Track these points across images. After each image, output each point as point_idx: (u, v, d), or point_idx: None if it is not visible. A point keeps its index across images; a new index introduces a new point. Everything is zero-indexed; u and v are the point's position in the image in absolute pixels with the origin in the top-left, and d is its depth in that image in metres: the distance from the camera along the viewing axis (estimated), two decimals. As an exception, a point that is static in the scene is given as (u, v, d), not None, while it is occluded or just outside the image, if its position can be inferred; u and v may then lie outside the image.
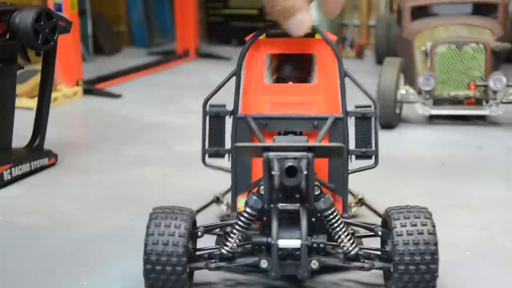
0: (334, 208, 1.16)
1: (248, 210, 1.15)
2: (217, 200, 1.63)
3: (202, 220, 1.50)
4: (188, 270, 1.18)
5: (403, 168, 2.09)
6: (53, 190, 1.89)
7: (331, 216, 1.16)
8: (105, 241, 1.52)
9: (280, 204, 1.12)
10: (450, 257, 1.29)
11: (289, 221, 1.14)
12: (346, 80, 1.35)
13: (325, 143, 1.31)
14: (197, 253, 1.23)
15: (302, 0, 0.75)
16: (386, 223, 1.22)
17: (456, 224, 1.61)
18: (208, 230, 1.26)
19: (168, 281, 1.17)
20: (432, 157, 2.27)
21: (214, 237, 1.35)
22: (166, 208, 1.21)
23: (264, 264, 1.14)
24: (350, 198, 1.52)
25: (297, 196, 1.12)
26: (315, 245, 1.15)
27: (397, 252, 1.15)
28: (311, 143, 1.28)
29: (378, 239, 1.28)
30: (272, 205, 1.11)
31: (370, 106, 1.40)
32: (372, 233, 1.26)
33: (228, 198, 1.60)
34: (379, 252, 1.23)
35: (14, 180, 1.94)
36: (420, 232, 1.15)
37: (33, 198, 1.83)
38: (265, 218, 1.15)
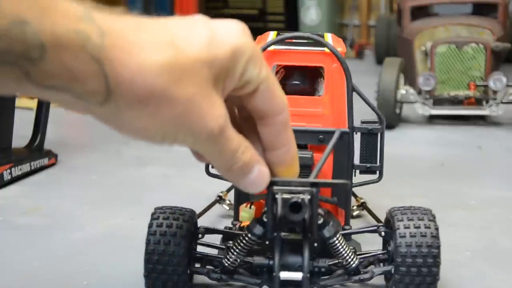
0: (338, 235, 1.16)
1: (250, 235, 1.15)
2: (219, 199, 1.63)
3: (205, 218, 1.50)
4: (189, 271, 1.18)
5: (403, 168, 2.09)
6: (53, 190, 1.89)
7: (336, 242, 1.16)
8: (105, 241, 1.52)
9: (283, 234, 1.12)
10: (450, 257, 1.29)
11: (292, 247, 1.14)
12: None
13: (330, 180, 1.32)
14: (198, 255, 1.23)
15: (255, 152, 0.64)
16: (389, 223, 1.22)
17: (456, 224, 1.61)
18: (209, 231, 1.26)
19: (168, 281, 1.17)
20: (432, 157, 2.27)
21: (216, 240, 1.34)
22: (167, 208, 1.21)
23: None
24: (352, 201, 1.52)
25: (300, 224, 1.12)
26: (316, 269, 1.15)
27: (399, 254, 1.15)
28: (317, 156, 1.28)
29: (381, 240, 1.28)
30: (275, 234, 1.12)
31: (376, 122, 1.39)
32: (376, 252, 1.25)
33: (230, 196, 1.61)
34: (380, 255, 1.23)
35: (14, 180, 1.94)
36: (423, 234, 1.15)
37: (33, 198, 1.83)
38: (267, 242, 1.15)
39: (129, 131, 0.58)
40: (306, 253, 1.11)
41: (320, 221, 1.13)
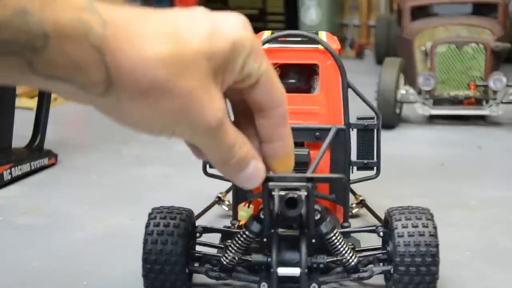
0: (335, 230, 1.16)
1: (247, 233, 1.15)
2: (218, 200, 1.63)
3: (204, 218, 1.50)
4: (187, 270, 1.18)
5: (403, 168, 2.09)
6: (53, 190, 1.89)
7: (333, 238, 1.16)
8: (105, 241, 1.52)
9: (280, 230, 1.12)
10: (450, 257, 1.29)
11: (289, 244, 1.14)
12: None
13: (325, 175, 1.31)
14: (196, 254, 1.23)
15: (252, 147, 0.64)
16: (388, 223, 1.22)
17: (456, 224, 1.61)
18: (207, 231, 1.26)
19: (167, 281, 1.17)
20: (432, 157, 2.27)
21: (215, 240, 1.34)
22: (164, 208, 1.21)
23: (263, 287, 1.15)
24: (351, 199, 1.52)
25: (297, 220, 1.12)
26: (314, 265, 1.15)
27: (398, 253, 1.15)
28: (313, 154, 1.28)
29: (379, 240, 1.28)
30: (272, 230, 1.12)
31: (372, 118, 1.39)
32: (375, 252, 1.25)
33: (229, 196, 1.60)
34: (379, 255, 1.23)
35: (14, 180, 1.93)
36: (422, 233, 1.15)
37: (33, 198, 1.83)
38: (265, 239, 1.15)
39: (129, 123, 0.58)
40: (304, 249, 1.11)
41: (317, 216, 1.13)
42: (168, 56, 0.54)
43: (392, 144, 2.38)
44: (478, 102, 2.72)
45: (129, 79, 0.53)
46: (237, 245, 1.16)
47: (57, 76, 0.52)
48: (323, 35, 1.38)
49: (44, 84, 0.53)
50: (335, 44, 1.36)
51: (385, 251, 1.22)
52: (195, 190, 1.82)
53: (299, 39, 1.38)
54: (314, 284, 1.14)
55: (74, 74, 0.52)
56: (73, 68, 0.52)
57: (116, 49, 0.52)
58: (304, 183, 1.03)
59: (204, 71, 0.56)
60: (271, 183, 1.03)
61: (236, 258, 1.17)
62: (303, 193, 1.03)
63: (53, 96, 2.27)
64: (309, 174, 1.16)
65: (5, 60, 0.50)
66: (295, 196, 1.03)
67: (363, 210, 1.62)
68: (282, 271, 1.12)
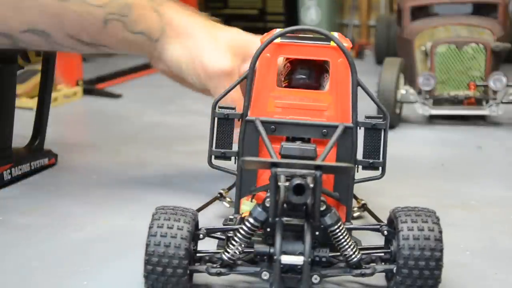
0: (340, 223, 1.16)
1: (251, 221, 1.15)
2: (220, 196, 1.63)
3: (204, 218, 1.50)
4: (188, 272, 1.18)
5: (403, 168, 2.09)
6: (53, 190, 1.89)
7: (337, 231, 1.16)
8: (105, 241, 1.52)
9: (285, 219, 1.12)
10: (450, 257, 1.29)
11: (293, 233, 1.14)
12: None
13: (334, 163, 1.31)
14: (198, 255, 1.23)
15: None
16: (392, 222, 1.22)
17: (456, 224, 1.61)
18: (211, 232, 1.26)
19: (168, 283, 1.17)
20: (432, 157, 2.27)
21: (215, 239, 1.35)
22: (168, 209, 1.21)
23: (265, 276, 1.15)
24: (353, 202, 1.52)
25: (302, 209, 1.12)
26: (317, 258, 1.15)
27: (402, 256, 1.15)
28: (319, 151, 1.28)
29: (380, 241, 1.28)
30: (277, 219, 1.12)
31: (380, 117, 1.39)
32: (378, 251, 1.25)
33: (231, 194, 1.61)
34: (381, 254, 1.23)
35: (14, 180, 1.93)
36: (427, 237, 1.15)
37: (33, 198, 1.83)
38: (268, 229, 1.16)
39: (166, 61, 1.18)
40: (308, 238, 1.11)
41: (323, 207, 1.13)
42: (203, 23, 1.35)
43: (392, 144, 2.36)
44: (478, 102, 2.71)
45: (172, 28, 1.26)
46: (240, 235, 1.16)
47: (137, 31, 1.18)
48: (334, 35, 1.39)
49: (132, 37, 1.24)
50: (346, 43, 1.37)
51: (388, 250, 1.23)
52: (195, 190, 1.82)
53: (311, 35, 1.39)
54: (316, 276, 1.15)
55: (146, 29, 1.24)
56: (147, 26, 1.22)
57: (165, 13, 1.30)
58: (312, 171, 1.03)
59: (223, 41, 1.27)
60: (278, 169, 1.03)
61: (238, 252, 1.17)
62: (311, 180, 1.03)
63: (53, 96, 2.26)
64: (317, 162, 1.16)
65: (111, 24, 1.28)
66: (303, 182, 1.03)
67: (364, 214, 1.61)
68: (285, 259, 1.12)
